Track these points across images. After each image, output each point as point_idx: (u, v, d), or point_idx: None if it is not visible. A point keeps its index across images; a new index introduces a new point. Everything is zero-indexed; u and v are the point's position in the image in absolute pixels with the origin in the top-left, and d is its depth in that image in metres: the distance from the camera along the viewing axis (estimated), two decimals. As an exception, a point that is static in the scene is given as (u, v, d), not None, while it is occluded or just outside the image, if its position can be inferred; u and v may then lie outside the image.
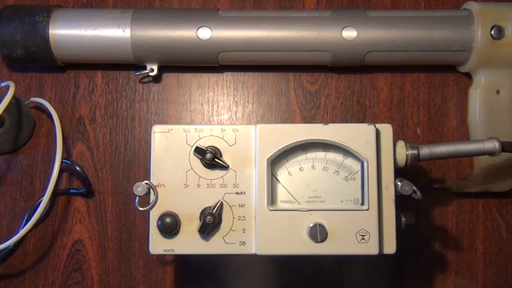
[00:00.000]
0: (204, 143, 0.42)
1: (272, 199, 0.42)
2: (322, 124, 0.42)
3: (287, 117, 0.56)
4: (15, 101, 0.52)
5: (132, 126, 0.56)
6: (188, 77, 0.57)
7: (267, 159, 0.41)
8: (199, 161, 0.42)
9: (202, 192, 0.42)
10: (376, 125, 0.42)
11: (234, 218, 0.42)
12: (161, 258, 0.55)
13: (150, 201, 0.42)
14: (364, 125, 0.42)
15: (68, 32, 0.52)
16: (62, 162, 0.53)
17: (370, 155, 0.41)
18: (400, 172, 0.43)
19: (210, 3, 0.58)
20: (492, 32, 0.50)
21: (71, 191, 0.55)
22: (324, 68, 0.56)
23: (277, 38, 0.51)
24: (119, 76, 0.57)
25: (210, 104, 0.57)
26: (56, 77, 0.57)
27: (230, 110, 0.56)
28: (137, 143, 0.56)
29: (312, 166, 0.43)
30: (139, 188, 0.41)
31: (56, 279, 0.55)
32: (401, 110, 0.56)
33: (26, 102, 0.55)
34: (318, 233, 0.40)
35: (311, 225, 0.41)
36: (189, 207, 0.42)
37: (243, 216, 0.42)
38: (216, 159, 0.41)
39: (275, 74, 0.57)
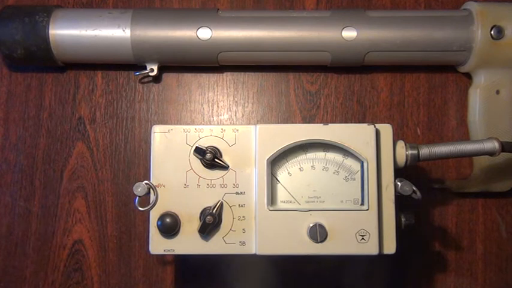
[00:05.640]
0: (204, 143, 0.42)
1: (272, 199, 0.42)
2: (322, 124, 0.42)
3: (287, 117, 0.56)
4: None
5: (132, 126, 0.56)
6: (188, 77, 0.57)
7: (267, 159, 0.41)
8: (199, 161, 0.42)
9: (202, 192, 0.42)
10: (376, 125, 0.42)
11: (234, 218, 0.42)
12: (161, 258, 0.55)
13: (150, 201, 0.42)
14: (364, 125, 0.42)
15: (68, 32, 0.52)
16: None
17: (370, 155, 0.41)
18: (400, 172, 0.43)
19: (210, 3, 0.58)
20: (492, 32, 0.50)
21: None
22: (324, 68, 0.56)
23: (277, 38, 0.51)
24: (118, 76, 0.57)
25: (210, 104, 0.56)
26: (56, 77, 0.57)
27: (230, 110, 0.56)
28: (137, 143, 0.56)
29: (312, 166, 0.43)
30: (139, 188, 0.41)
31: (56, 279, 0.55)
32: (401, 110, 0.56)
33: None
34: (318, 233, 0.40)
35: (311, 225, 0.41)
36: (189, 207, 0.42)
37: (243, 216, 0.42)
38: (216, 159, 0.41)
39: (275, 74, 0.57)
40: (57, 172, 0.55)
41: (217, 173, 0.42)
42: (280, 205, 0.42)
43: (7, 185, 0.56)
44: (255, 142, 0.42)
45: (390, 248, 0.42)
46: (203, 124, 0.56)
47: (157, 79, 0.57)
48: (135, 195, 0.41)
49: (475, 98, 0.53)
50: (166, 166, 0.42)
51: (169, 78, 0.57)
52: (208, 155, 0.41)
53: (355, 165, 0.42)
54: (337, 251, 0.41)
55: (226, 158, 0.42)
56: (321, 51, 0.52)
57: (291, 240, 0.41)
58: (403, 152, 0.43)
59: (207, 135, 0.43)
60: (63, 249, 0.55)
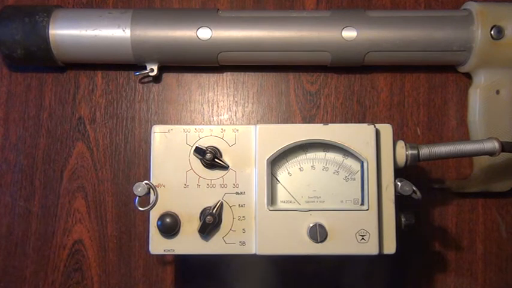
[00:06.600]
0: (204, 143, 0.42)
1: (272, 199, 0.42)
2: (322, 124, 0.42)
3: (287, 117, 0.56)
4: None
5: (132, 126, 0.56)
6: (188, 77, 0.57)
7: (267, 159, 0.41)
8: (199, 161, 0.42)
9: (202, 192, 0.42)
10: (376, 125, 0.42)
11: (234, 218, 0.42)
12: (161, 258, 0.55)
13: (150, 201, 0.42)
14: (364, 125, 0.42)
15: (68, 32, 0.52)
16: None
17: (370, 155, 0.41)
18: (400, 172, 0.43)
19: (210, 3, 0.58)
20: (492, 32, 0.50)
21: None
22: (324, 68, 0.56)
23: (277, 38, 0.51)
24: (118, 76, 0.57)
25: (210, 104, 0.57)
26: (56, 77, 0.57)
27: (230, 110, 0.56)
28: (137, 143, 0.56)
29: (311, 166, 0.43)
30: (139, 188, 0.41)
31: (56, 279, 0.55)
32: (401, 110, 0.56)
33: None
34: (318, 233, 0.40)
35: (311, 225, 0.41)
36: (189, 207, 0.42)
37: (243, 216, 0.42)
38: (216, 159, 0.41)
39: (275, 74, 0.57)
40: (57, 172, 0.55)
41: (217, 173, 0.42)
42: (280, 205, 0.42)
43: (7, 185, 0.56)
44: (255, 142, 0.42)
45: (390, 248, 0.42)
46: (203, 124, 0.56)
47: (157, 79, 0.57)
48: (135, 195, 0.41)
49: (475, 98, 0.53)
50: (166, 166, 0.42)
51: (169, 78, 0.57)
52: (208, 155, 0.41)
53: (355, 165, 0.42)
54: (337, 251, 0.41)
55: (226, 158, 0.42)
56: (321, 51, 0.52)
57: (291, 240, 0.41)
58: (403, 152, 0.43)
59: (207, 135, 0.43)
60: (63, 249, 0.55)
